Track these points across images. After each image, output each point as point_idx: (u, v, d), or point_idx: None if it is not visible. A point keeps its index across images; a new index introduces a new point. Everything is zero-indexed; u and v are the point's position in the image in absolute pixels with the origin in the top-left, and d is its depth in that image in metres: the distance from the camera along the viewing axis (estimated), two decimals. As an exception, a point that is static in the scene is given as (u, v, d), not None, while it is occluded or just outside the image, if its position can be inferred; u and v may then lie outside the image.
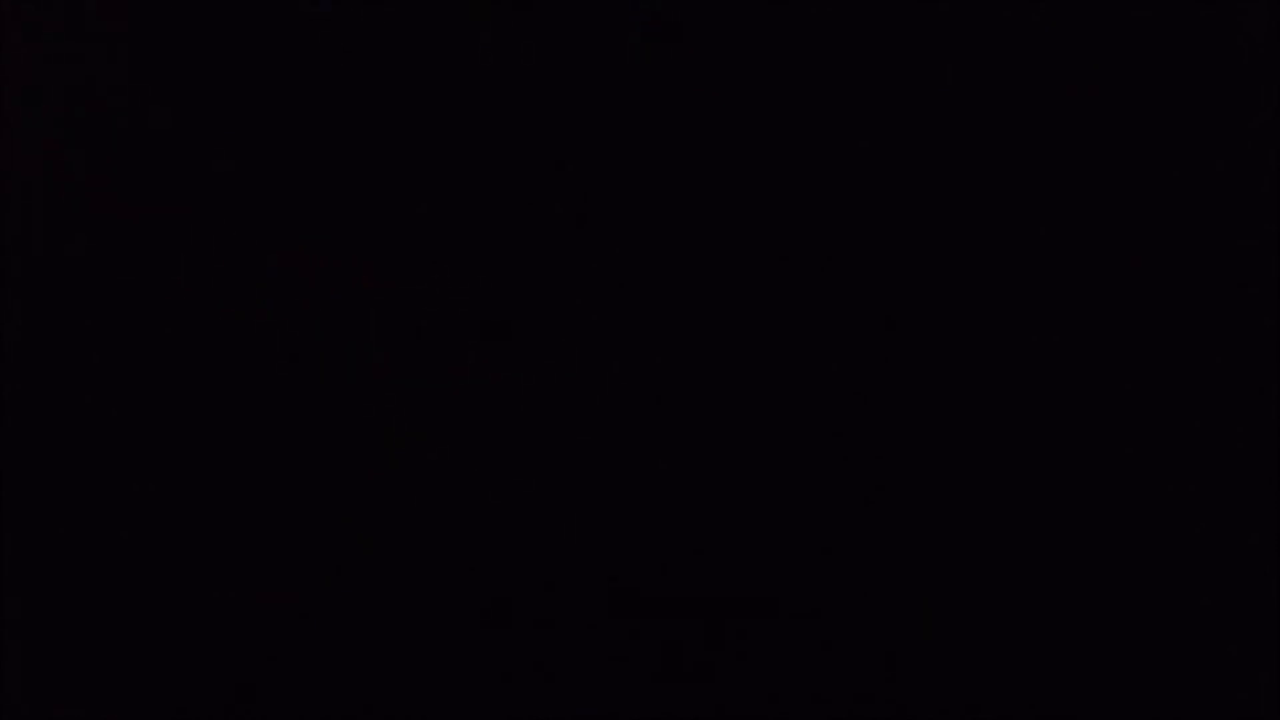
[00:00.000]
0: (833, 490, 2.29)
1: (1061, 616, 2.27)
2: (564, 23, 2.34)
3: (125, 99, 2.34)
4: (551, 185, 2.33)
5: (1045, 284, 2.30)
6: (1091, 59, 2.31)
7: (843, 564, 2.28)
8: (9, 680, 2.29)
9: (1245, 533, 2.27)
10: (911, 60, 2.32)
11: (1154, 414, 2.28)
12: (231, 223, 2.33)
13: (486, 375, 2.31)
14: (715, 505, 2.30)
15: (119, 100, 2.34)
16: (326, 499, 2.30)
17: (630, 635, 2.28)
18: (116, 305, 2.32)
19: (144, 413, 2.31)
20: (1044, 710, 2.25)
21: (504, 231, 2.33)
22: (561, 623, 2.28)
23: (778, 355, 2.31)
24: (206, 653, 2.28)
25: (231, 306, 2.32)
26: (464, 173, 2.34)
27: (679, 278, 2.32)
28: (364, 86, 2.34)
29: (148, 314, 2.32)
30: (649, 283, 2.32)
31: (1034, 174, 2.31)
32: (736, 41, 2.33)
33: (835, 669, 2.27)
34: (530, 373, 2.31)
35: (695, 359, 2.31)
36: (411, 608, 2.29)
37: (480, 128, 2.34)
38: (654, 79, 2.33)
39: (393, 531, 2.30)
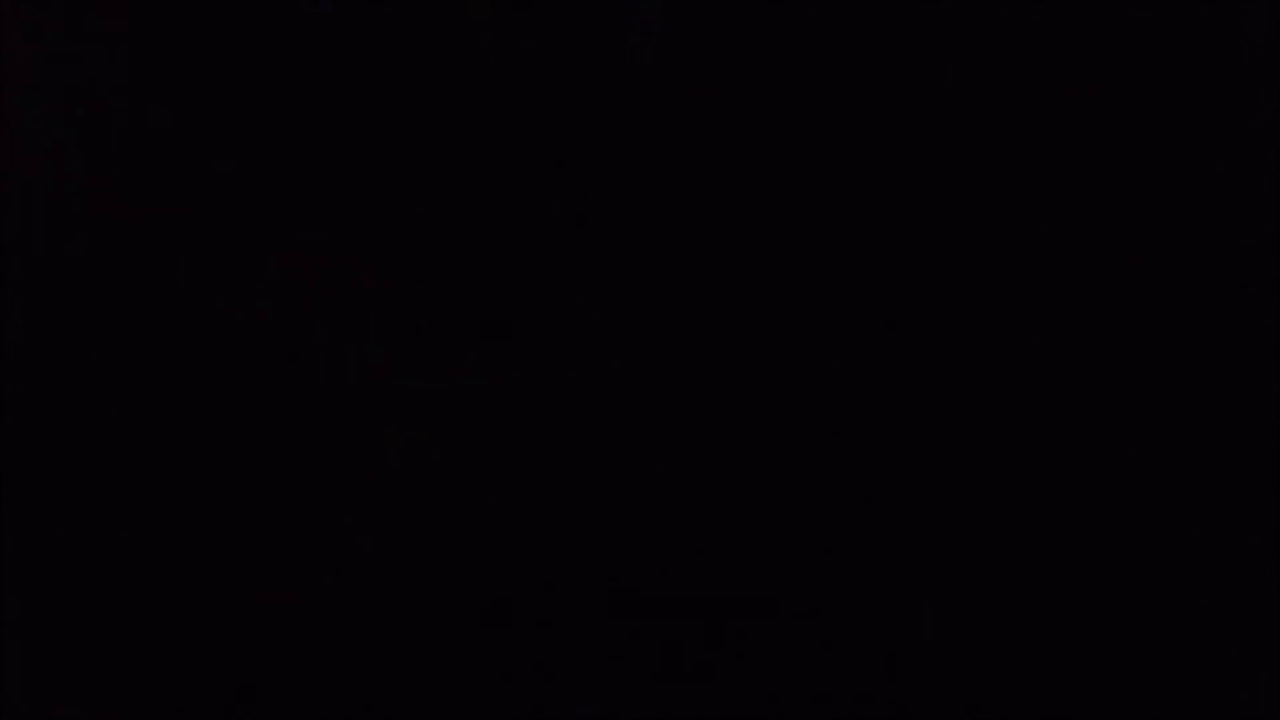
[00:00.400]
0: (833, 490, 2.29)
1: (1061, 616, 2.27)
2: (564, 23, 2.34)
3: (125, 99, 2.34)
4: (551, 185, 2.33)
5: (1045, 284, 2.30)
6: (1091, 59, 2.31)
7: (843, 564, 2.28)
8: (9, 680, 2.29)
9: (1245, 533, 2.27)
10: (911, 60, 2.32)
11: (1154, 414, 2.28)
12: (231, 223, 2.33)
13: (486, 375, 2.31)
14: (715, 505, 2.30)
15: (119, 100, 2.34)
16: (326, 499, 2.30)
17: (630, 635, 2.28)
18: (116, 305, 2.32)
19: (144, 413, 2.31)
20: (1044, 710, 2.25)
21: (504, 231, 2.33)
22: (561, 623, 2.28)
23: (777, 355, 2.31)
24: (206, 653, 2.28)
25: (231, 306, 2.32)
26: (464, 173, 2.34)
27: (679, 278, 2.32)
28: (364, 86, 2.34)
29: (148, 314, 2.32)
30: (649, 283, 2.32)
31: (1034, 174, 2.31)
32: (736, 41, 2.33)
33: (835, 669, 2.27)
34: (530, 373, 2.31)
35: (695, 359, 2.31)
36: (411, 608, 2.29)
37: (480, 128, 2.34)
38: (654, 79, 2.33)
39: (393, 531, 2.30)
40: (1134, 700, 2.25)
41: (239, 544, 2.30)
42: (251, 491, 2.30)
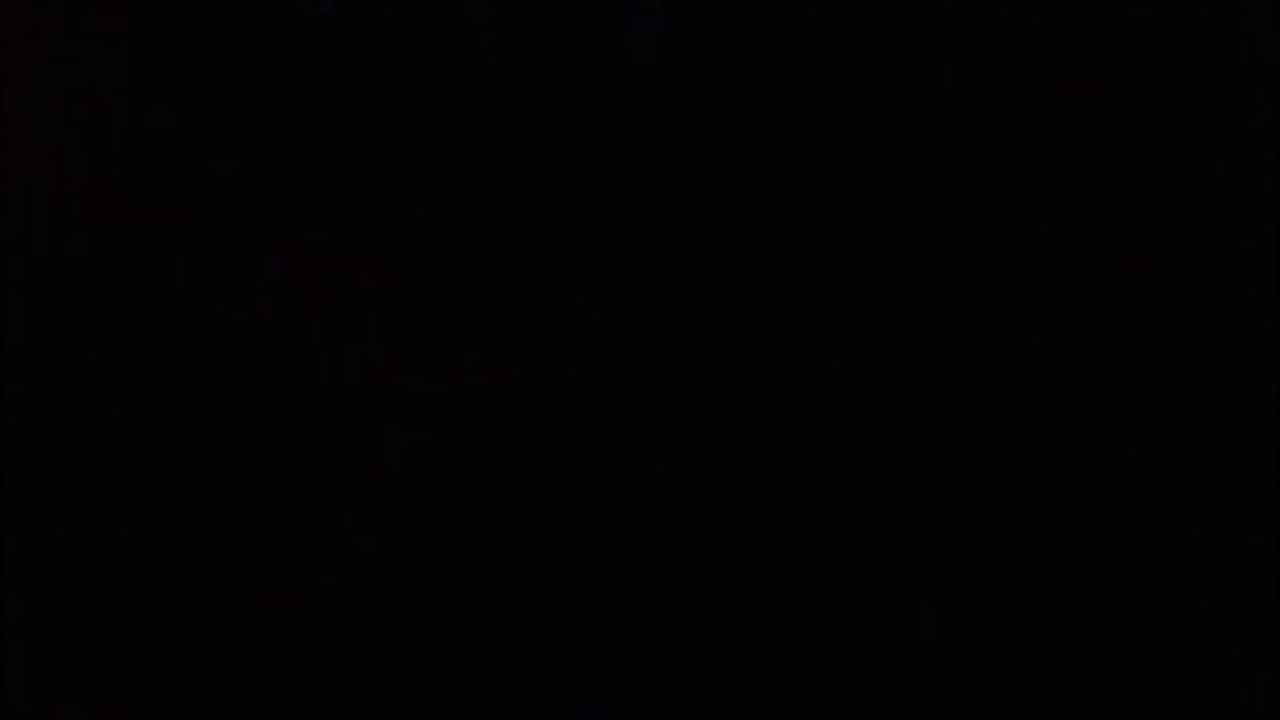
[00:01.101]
0: (833, 490, 2.29)
1: (1061, 616, 2.27)
2: (564, 23, 2.34)
3: (125, 99, 2.34)
4: (551, 185, 2.33)
5: (1045, 284, 2.30)
6: (1091, 59, 2.31)
7: (843, 564, 2.28)
8: (9, 680, 2.29)
9: (1245, 533, 2.27)
10: (911, 60, 2.32)
11: (1154, 414, 2.28)
12: (231, 223, 2.33)
13: (486, 375, 2.31)
14: (715, 505, 2.30)
15: (119, 100, 2.34)
16: (326, 499, 2.30)
17: (630, 635, 2.28)
18: (116, 305, 2.32)
19: (144, 413, 2.31)
20: (1044, 710, 2.25)
21: (504, 231, 2.33)
22: (561, 623, 2.28)
23: (777, 355, 2.31)
24: (206, 653, 2.28)
25: (231, 306, 2.32)
26: (464, 173, 2.34)
27: (679, 278, 2.32)
28: (364, 86, 2.34)
29: (148, 314, 2.32)
30: (649, 283, 2.32)
31: (1034, 174, 2.31)
32: (736, 41, 2.33)
33: (835, 669, 2.27)
34: (530, 373, 2.31)
35: (695, 359, 2.31)
36: (412, 608, 2.29)
37: (480, 128, 2.34)
38: (654, 79, 2.33)
39: (393, 531, 2.30)
40: (1134, 700, 2.25)
41: (239, 544, 2.30)
42: (251, 491, 2.30)
